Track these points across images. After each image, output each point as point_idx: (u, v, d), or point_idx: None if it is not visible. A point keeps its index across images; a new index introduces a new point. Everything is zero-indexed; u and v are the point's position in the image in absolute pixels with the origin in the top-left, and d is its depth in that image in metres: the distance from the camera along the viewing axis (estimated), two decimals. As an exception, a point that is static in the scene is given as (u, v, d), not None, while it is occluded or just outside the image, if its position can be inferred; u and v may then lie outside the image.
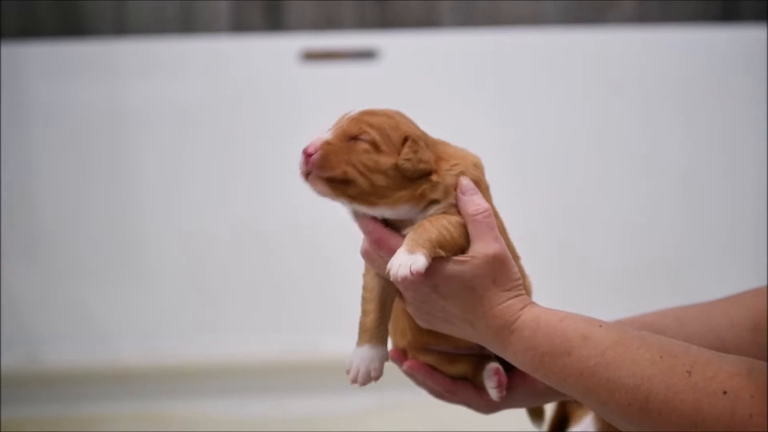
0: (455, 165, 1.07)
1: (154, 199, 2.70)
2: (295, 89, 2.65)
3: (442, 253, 1.02)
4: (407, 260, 0.99)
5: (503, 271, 1.03)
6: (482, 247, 1.03)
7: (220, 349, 2.68)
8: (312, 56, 2.63)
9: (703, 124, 2.66)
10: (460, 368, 1.16)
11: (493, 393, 1.13)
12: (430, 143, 1.08)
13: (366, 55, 2.64)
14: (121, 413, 2.56)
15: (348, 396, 2.25)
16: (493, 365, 1.13)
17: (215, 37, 2.69)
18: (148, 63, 2.66)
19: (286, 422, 2.48)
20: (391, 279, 0.99)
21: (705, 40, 2.66)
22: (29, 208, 2.69)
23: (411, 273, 0.98)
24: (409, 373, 1.17)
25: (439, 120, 2.62)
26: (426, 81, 2.66)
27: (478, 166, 1.10)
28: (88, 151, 2.67)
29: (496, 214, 1.09)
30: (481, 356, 1.15)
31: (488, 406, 1.18)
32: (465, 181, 1.06)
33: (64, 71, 2.64)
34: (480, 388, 1.16)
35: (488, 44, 2.66)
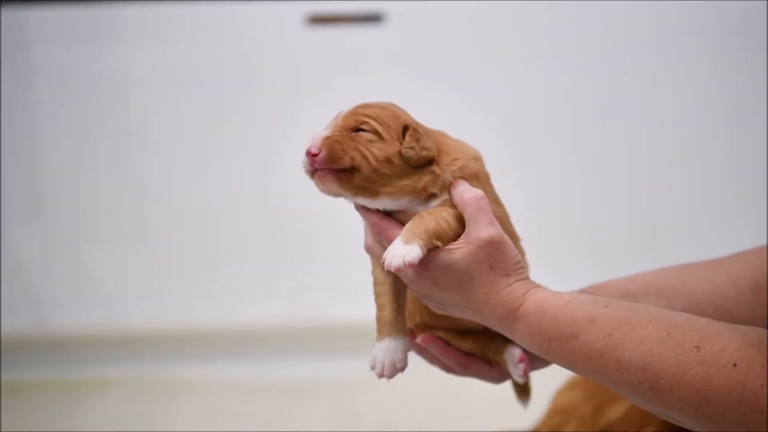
0: (455, 159, 1.06)
1: (159, 163, 2.69)
2: (300, 53, 2.64)
3: (439, 244, 1.01)
4: (401, 251, 0.98)
5: (499, 255, 1.02)
6: (476, 231, 1.02)
7: (225, 314, 2.68)
8: (317, 20, 2.61)
9: (710, 87, 2.65)
10: (468, 343, 1.16)
11: (519, 379, 1.15)
12: (429, 134, 1.07)
13: (371, 18, 2.61)
14: (126, 377, 2.57)
15: (353, 360, 2.25)
16: (517, 352, 1.13)
17: (220, 1, 2.67)
18: (152, 27, 2.64)
19: (291, 386, 2.49)
20: (385, 269, 0.99)
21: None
22: (34, 171, 2.68)
23: (404, 264, 0.98)
24: (422, 349, 1.17)
25: (444, 84, 2.64)
26: (431, 45, 2.64)
27: (477, 159, 1.09)
28: (93, 115, 2.66)
29: (498, 203, 1.09)
30: (488, 332, 1.15)
31: (500, 377, 1.19)
32: (456, 182, 1.05)
33: (68, 35, 2.62)
34: (491, 362, 1.16)
35: (494, 7, 2.63)
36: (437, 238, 1.01)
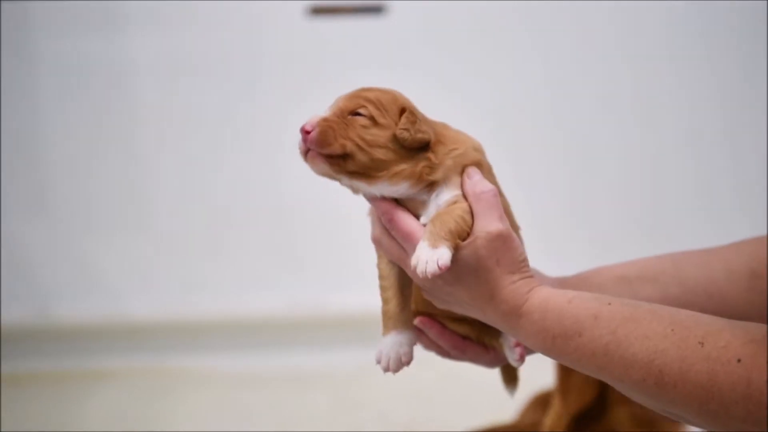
0: (454, 149, 1.07)
1: (161, 154, 2.69)
2: (301, 44, 2.63)
3: (461, 242, 1.02)
4: (433, 255, 0.98)
5: (506, 250, 1.03)
6: (485, 225, 1.02)
7: (227, 305, 2.68)
8: (319, 11, 2.61)
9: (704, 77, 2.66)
10: (465, 328, 1.17)
11: (515, 364, 1.15)
12: (428, 122, 1.08)
13: (373, 9, 2.61)
14: (127, 368, 2.58)
15: (352, 351, 2.26)
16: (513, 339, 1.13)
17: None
18: (156, 18, 2.64)
19: (291, 377, 2.50)
20: (420, 276, 0.99)
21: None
22: (37, 162, 2.68)
23: (439, 268, 0.98)
24: (419, 332, 1.17)
25: (445, 75, 2.63)
26: (433, 36, 2.64)
27: (477, 150, 1.09)
28: (96, 104, 2.66)
29: (501, 194, 1.09)
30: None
31: (494, 362, 1.20)
32: (471, 169, 1.06)
33: (71, 25, 2.62)
34: (486, 346, 1.17)
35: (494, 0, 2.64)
36: (459, 237, 1.02)
